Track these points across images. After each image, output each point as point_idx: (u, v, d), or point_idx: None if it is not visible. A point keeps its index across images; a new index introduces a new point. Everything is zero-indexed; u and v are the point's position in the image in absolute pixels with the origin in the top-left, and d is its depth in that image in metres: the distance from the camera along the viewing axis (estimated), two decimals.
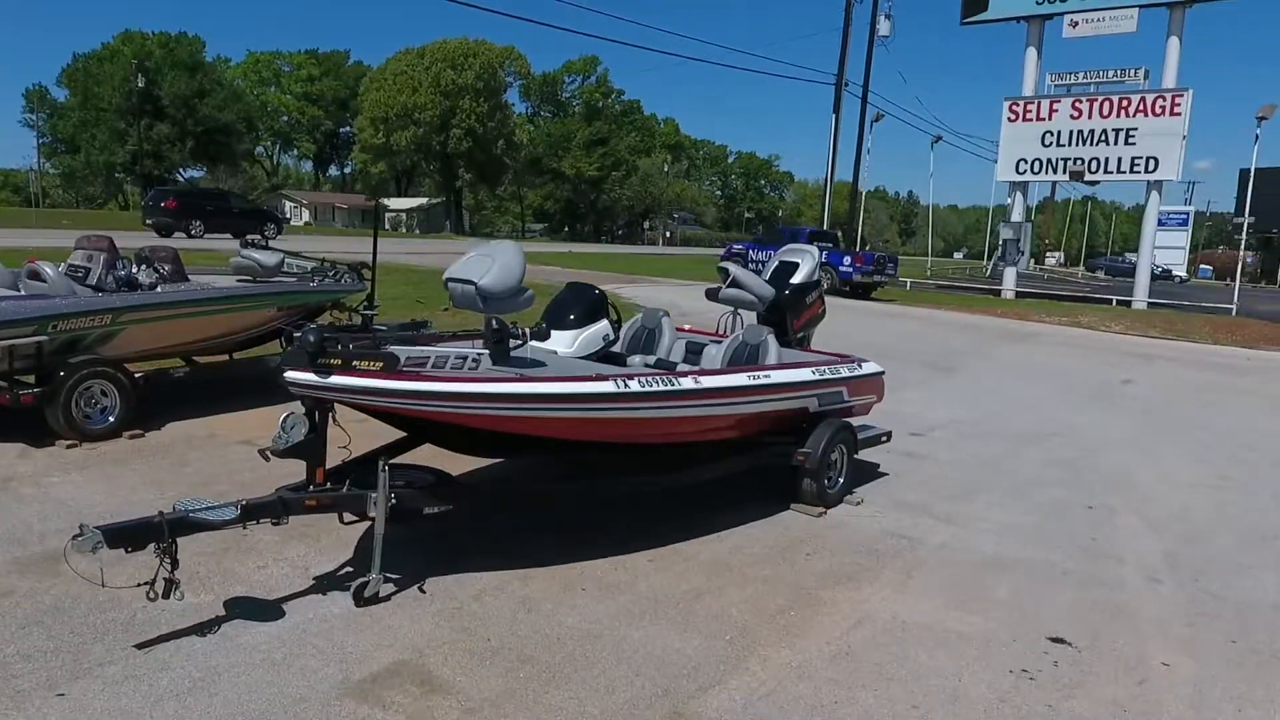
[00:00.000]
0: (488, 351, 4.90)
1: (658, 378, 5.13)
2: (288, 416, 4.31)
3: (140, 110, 62.64)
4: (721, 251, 31.34)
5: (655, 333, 6.88)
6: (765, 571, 5.26)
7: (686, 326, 7.91)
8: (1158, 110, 26.70)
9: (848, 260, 25.74)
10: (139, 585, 3.90)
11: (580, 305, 6.16)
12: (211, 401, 8.05)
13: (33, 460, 6.33)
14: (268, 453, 4.33)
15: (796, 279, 7.41)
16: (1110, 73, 27.89)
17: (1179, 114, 26.35)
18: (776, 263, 7.62)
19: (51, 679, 3.62)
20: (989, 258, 50.55)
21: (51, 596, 4.33)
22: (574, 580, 4.93)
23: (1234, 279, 29.36)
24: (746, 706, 3.78)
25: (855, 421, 6.95)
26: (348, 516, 4.85)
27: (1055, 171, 28.68)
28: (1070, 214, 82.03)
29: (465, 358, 4.84)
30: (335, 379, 4.15)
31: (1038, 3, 28.16)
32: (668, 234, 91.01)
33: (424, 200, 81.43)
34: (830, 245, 27.78)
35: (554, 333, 5.72)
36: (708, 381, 5.43)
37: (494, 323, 4.78)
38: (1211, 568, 5.81)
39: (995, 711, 3.87)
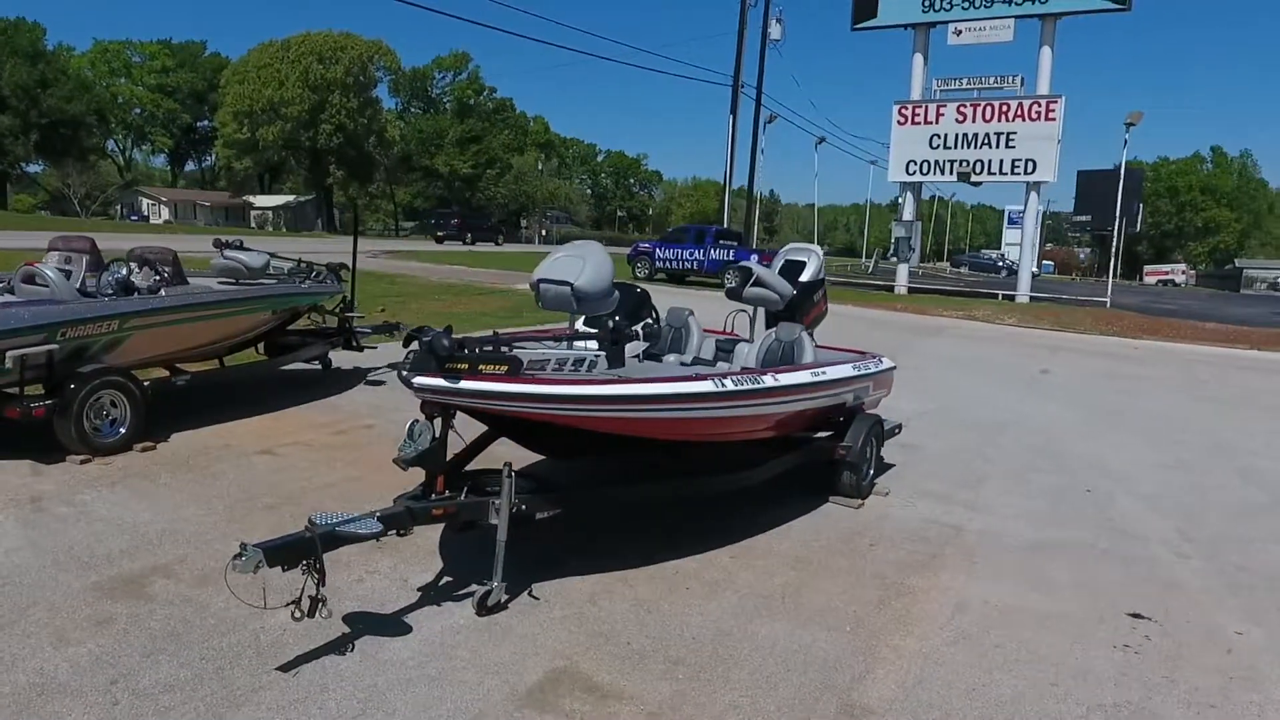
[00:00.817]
0: (604, 353, 4.85)
1: (745, 376, 5.19)
2: (414, 423, 4.16)
3: None
4: (627, 250, 31.40)
5: (683, 332, 6.91)
6: (842, 563, 5.38)
7: None
8: (1034, 115, 28.27)
9: (754, 258, 26.29)
10: (286, 604, 3.72)
11: (626, 305, 6.14)
12: (211, 409, 7.64)
13: (51, 477, 5.85)
14: (400, 462, 4.16)
15: (804, 277, 7.54)
16: (990, 79, 29.36)
17: (1054, 119, 27.99)
18: (783, 261, 7.75)
19: (211, 708, 3.40)
20: (867, 255, 52.41)
21: (157, 621, 4.06)
22: (674, 580, 4.93)
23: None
24: (908, 694, 3.88)
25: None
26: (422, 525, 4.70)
27: (943, 173, 29.96)
28: (933, 213, 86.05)
29: (584, 360, 4.77)
30: (465, 384, 4.04)
31: (924, 10, 29.38)
32: (544, 232, 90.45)
33: (291, 198, 78.42)
34: (735, 243, 28.38)
35: None
36: (785, 379, 5.52)
37: (610, 323, 4.74)
38: (1222, 542, 6.26)
39: (1123, 684, 4.10)
